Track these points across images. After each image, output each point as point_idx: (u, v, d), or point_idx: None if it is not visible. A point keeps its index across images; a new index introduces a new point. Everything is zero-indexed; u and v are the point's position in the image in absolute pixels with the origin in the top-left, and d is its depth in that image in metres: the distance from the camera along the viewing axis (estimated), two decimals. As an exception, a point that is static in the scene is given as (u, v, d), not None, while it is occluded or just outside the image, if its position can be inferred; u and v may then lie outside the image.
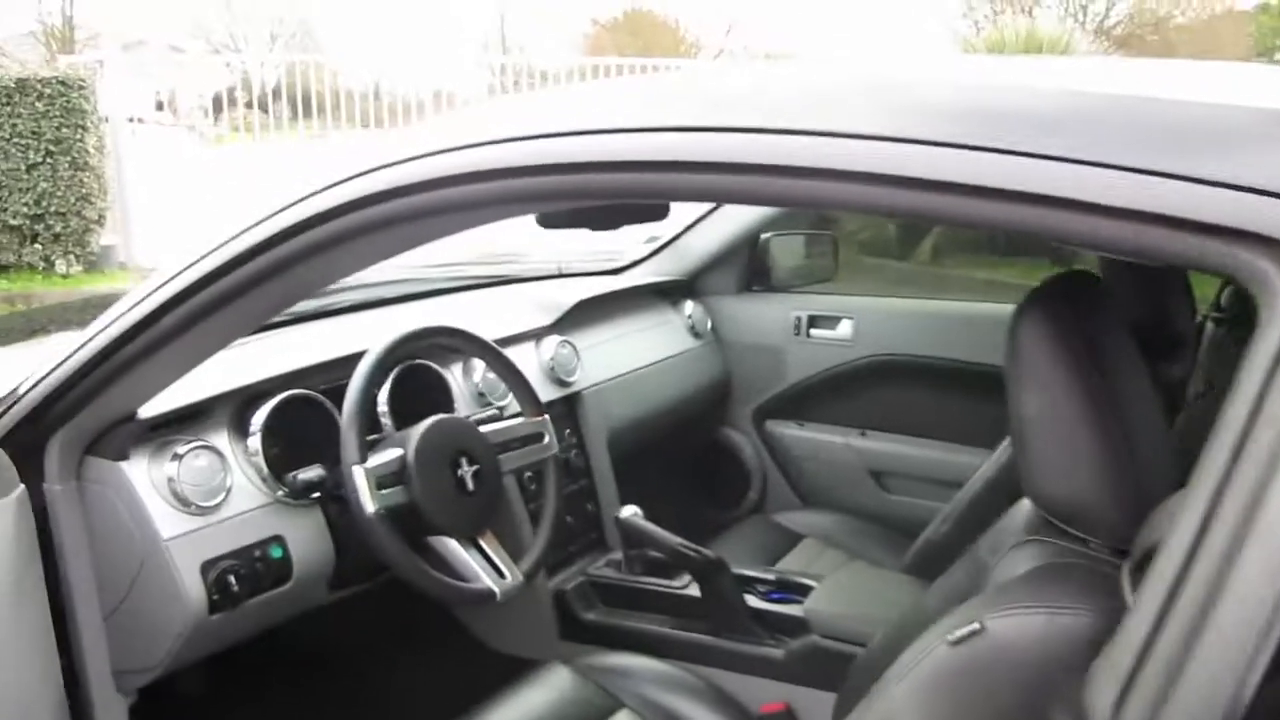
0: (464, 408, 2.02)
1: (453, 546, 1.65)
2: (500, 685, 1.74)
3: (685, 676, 1.79)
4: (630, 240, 2.97)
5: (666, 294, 2.82)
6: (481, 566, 1.66)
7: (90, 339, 1.31)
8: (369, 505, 1.52)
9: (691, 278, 2.85)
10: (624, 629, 2.03)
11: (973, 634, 0.91)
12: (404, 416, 1.84)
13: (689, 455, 2.96)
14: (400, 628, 2.24)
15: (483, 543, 1.69)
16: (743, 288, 2.89)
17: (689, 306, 2.82)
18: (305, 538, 1.67)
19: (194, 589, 1.51)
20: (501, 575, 1.67)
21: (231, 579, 1.54)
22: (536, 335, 2.31)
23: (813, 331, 2.77)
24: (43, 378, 1.36)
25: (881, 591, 1.94)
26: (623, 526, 1.99)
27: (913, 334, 2.66)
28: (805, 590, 1.97)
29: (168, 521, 1.51)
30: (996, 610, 0.93)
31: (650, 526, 1.97)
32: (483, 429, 1.78)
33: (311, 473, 1.63)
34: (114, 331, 1.28)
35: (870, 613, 1.82)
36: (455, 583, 1.62)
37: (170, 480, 1.53)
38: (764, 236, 2.83)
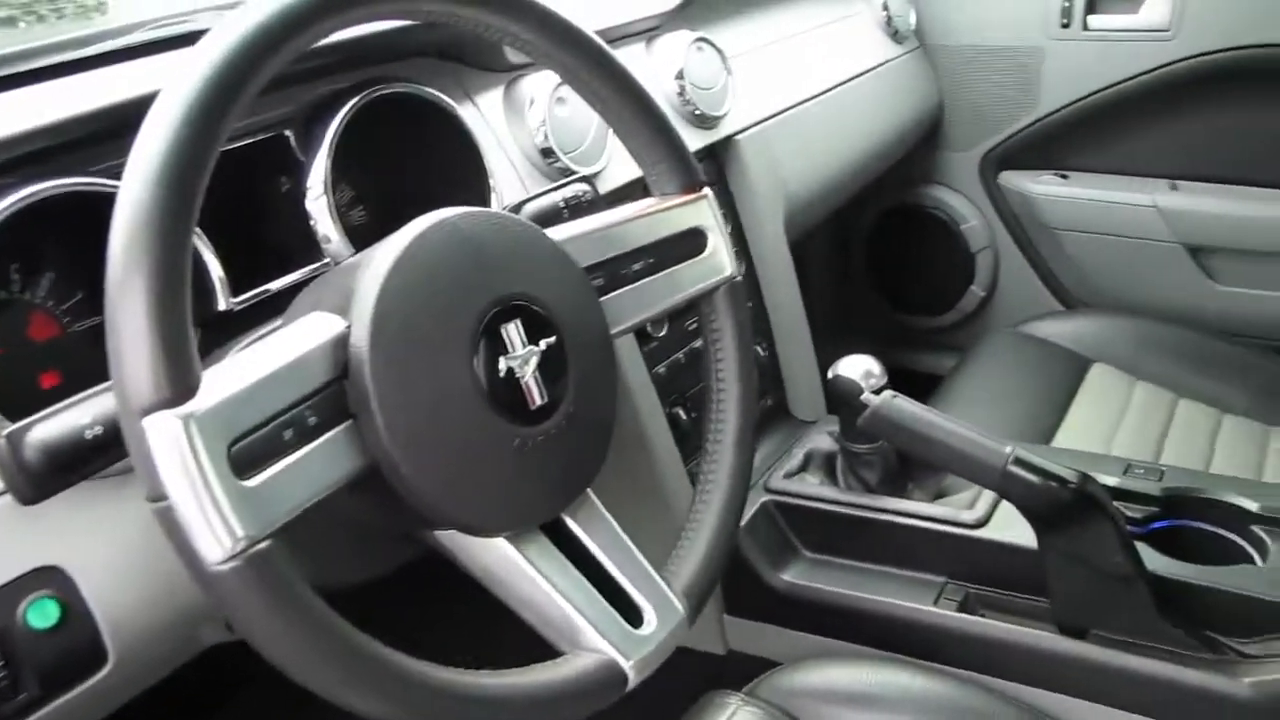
0: (509, 186, 0.95)
1: (500, 554, 0.63)
2: None
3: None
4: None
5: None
6: (579, 601, 0.64)
7: None
8: (210, 546, 0.48)
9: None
10: (849, 606, 1.04)
11: None
12: (365, 223, 0.81)
13: (871, 229, 1.99)
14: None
15: (575, 527, 0.67)
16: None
17: (882, -13, 1.75)
18: (118, 558, 0.66)
19: None
20: (632, 619, 0.66)
21: None
22: (648, 31, 1.20)
23: (1092, 20, 1.71)
24: None
25: None
26: (868, 412, 0.95)
27: None
28: (1230, 516, 0.94)
29: None
30: None
31: (928, 416, 0.93)
32: (555, 235, 0.71)
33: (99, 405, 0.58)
34: None
35: None
36: (512, 680, 0.59)
37: None
38: None
